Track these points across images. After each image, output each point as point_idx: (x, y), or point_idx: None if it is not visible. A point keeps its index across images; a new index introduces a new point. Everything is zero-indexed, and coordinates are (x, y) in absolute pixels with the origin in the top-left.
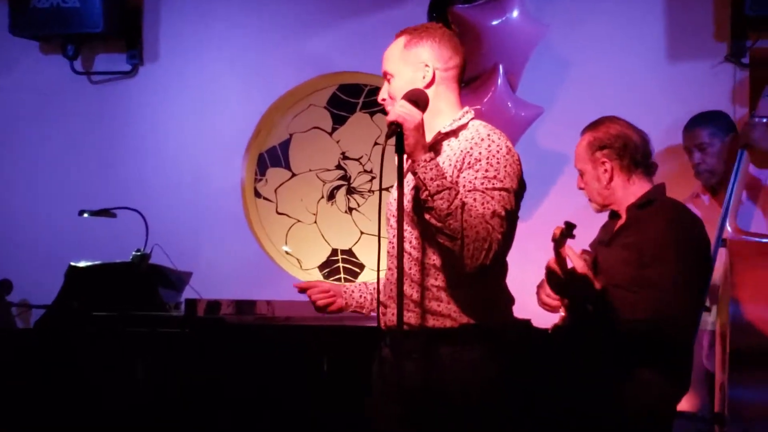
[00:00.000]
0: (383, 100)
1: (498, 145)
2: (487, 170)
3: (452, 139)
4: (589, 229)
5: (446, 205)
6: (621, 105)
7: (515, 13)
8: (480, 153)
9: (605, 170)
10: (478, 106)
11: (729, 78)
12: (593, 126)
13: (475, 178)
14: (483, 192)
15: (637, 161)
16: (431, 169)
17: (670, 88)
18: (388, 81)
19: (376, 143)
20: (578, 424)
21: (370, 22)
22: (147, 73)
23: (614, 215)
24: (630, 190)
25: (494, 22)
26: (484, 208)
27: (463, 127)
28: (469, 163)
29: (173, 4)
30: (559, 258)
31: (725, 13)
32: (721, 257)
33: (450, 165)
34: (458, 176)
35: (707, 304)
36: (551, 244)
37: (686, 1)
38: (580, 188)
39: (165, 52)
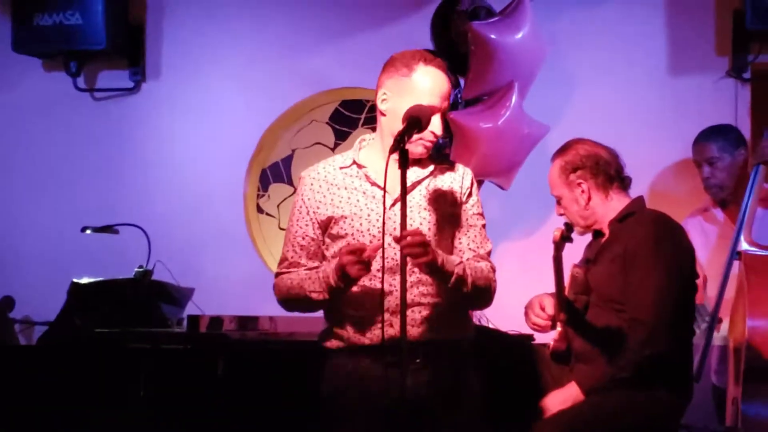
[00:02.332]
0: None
1: None
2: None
3: None
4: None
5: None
6: (623, 120)
7: (527, 30)
8: None
9: (582, 191)
10: (494, 123)
11: (731, 92)
12: (562, 151)
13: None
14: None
15: (612, 177)
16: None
17: (672, 102)
18: None
19: None
20: None
21: (372, 38)
22: (149, 90)
23: (598, 234)
24: (610, 206)
25: (508, 39)
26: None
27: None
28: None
29: (176, 22)
30: (559, 271)
31: (726, 28)
32: (735, 271)
33: None
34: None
35: (719, 316)
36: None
37: (688, 16)
38: (560, 215)
39: (167, 69)
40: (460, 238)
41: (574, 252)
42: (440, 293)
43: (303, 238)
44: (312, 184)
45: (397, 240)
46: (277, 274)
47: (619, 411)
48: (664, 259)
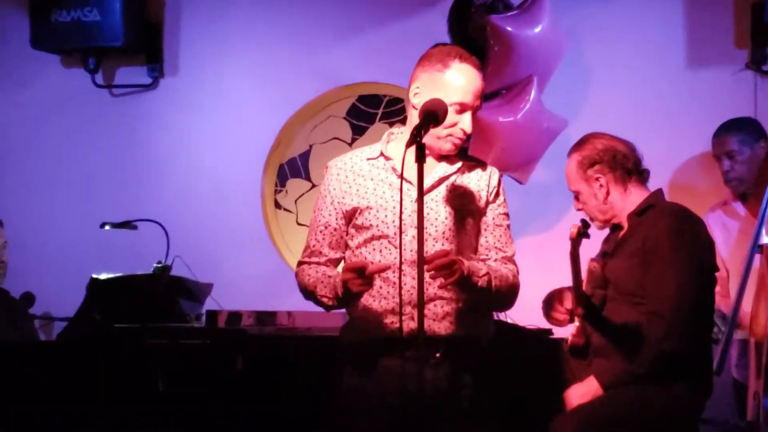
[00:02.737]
0: None
1: None
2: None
3: None
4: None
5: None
6: (642, 114)
7: (545, 24)
8: None
9: (600, 185)
10: (513, 117)
11: (750, 85)
12: (578, 145)
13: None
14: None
15: (630, 170)
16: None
17: (690, 95)
18: None
19: None
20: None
21: (388, 33)
22: (167, 86)
23: (615, 227)
24: (629, 200)
25: (527, 33)
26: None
27: None
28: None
29: (193, 18)
30: (576, 267)
31: (745, 21)
32: (756, 265)
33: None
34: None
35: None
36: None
37: (706, 8)
38: (579, 209)
39: (185, 66)
40: (486, 237)
41: (592, 246)
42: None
43: (326, 227)
44: (338, 174)
45: (425, 263)
46: (300, 263)
47: (636, 406)
48: (684, 253)
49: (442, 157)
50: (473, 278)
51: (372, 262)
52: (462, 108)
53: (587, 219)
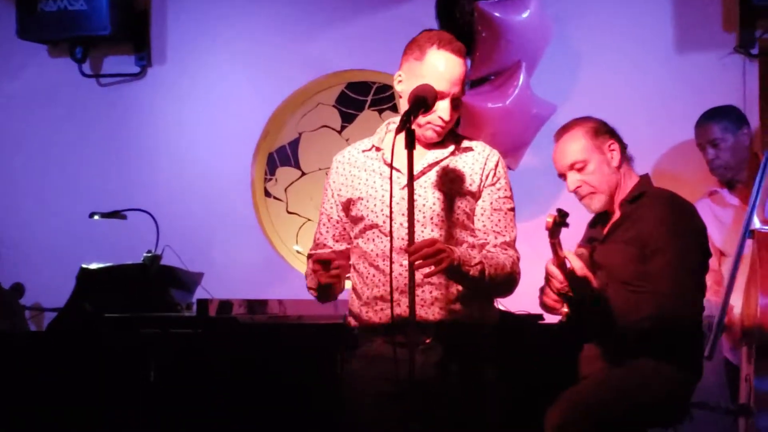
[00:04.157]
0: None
1: None
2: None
3: None
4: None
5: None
6: (630, 97)
7: (532, 9)
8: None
9: (613, 150)
10: (502, 103)
11: (738, 69)
12: (574, 123)
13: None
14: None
15: (624, 148)
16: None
17: (679, 79)
18: None
19: None
20: (594, 415)
21: (376, 20)
22: (155, 75)
23: (603, 215)
24: (624, 182)
25: (515, 18)
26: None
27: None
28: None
29: (180, 6)
30: (557, 256)
31: (734, 3)
32: (748, 249)
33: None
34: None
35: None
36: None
37: None
38: (577, 188)
39: (173, 54)
40: (483, 222)
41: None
42: None
43: (329, 220)
44: (337, 168)
45: (408, 253)
46: (308, 255)
47: (627, 389)
48: (681, 240)
49: (433, 144)
50: (464, 267)
51: (335, 258)
52: (440, 95)
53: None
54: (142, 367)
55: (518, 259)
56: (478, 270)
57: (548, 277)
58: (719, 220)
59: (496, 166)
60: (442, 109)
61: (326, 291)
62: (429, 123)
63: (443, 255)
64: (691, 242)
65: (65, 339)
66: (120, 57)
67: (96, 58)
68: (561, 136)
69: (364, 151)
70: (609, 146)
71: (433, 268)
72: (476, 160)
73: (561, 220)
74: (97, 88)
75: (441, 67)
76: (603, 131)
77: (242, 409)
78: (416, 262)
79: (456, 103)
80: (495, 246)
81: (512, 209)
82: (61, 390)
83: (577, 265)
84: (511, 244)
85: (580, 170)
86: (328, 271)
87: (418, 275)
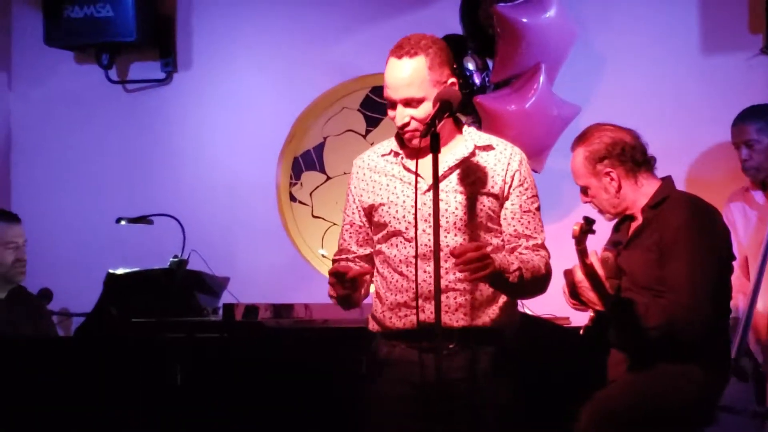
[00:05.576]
0: None
1: None
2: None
3: None
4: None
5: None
6: (655, 101)
7: (554, 11)
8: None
9: (611, 179)
10: (522, 106)
11: (765, 70)
12: (583, 139)
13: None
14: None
15: (638, 161)
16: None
17: (704, 81)
18: None
19: None
20: (619, 418)
21: (401, 23)
22: (181, 80)
23: (627, 217)
24: (641, 192)
25: (535, 21)
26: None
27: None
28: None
29: (205, 12)
30: (584, 264)
31: (760, 5)
32: None
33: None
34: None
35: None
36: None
37: None
38: (587, 203)
39: (198, 60)
40: (515, 226)
41: (599, 236)
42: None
43: (351, 226)
44: (357, 172)
45: (454, 256)
46: (333, 261)
47: (654, 393)
48: (702, 244)
49: (451, 146)
50: (504, 274)
51: (351, 268)
52: (390, 103)
53: (591, 215)
54: (168, 372)
55: (549, 258)
56: (517, 275)
57: (572, 283)
58: (748, 219)
59: (520, 165)
60: (394, 115)
61: (347, 300)
62: (399, 129)
63: (488, 261)
64: (710, 246)
65: (92, 344)
66: (146, 63)
67: (122, 64)
68: (573, 148)
69: (383, 155)
70: (607, 173)
71: (472, 274)
72: (498, 160)
73: (587, 227)
74: (123, 95)
75: (388, 74)
76: (603, 156)
77: (268, 413)
78: (459, 267)
79: (417, 103)
80: (527, 248)
81: (539, 207)
82: (89, 394)
83: (600, 273)
84: (542, 245)
85: (584, 191)
86: (343, 284)
87: (443, 281)
